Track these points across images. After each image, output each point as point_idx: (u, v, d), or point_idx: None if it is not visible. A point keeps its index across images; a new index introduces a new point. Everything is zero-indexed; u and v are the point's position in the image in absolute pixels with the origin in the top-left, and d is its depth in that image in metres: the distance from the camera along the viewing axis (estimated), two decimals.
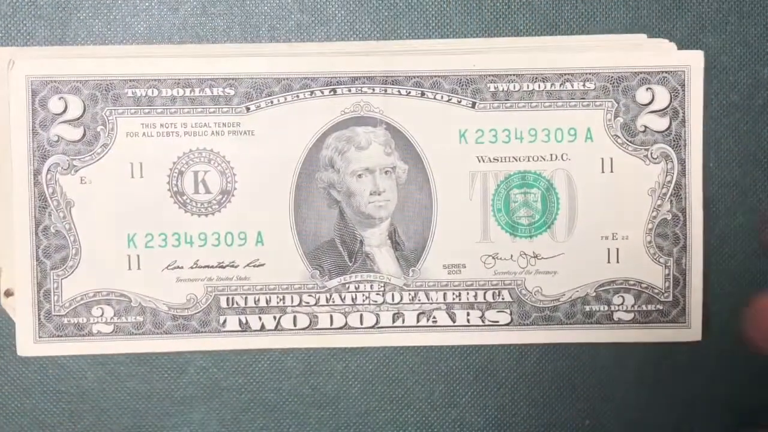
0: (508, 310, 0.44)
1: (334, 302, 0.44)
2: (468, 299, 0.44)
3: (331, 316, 0.44)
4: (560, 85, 0.43)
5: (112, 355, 0.44)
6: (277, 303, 0.44)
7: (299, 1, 0.44)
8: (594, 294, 0.44)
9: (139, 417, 0.45)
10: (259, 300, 0.44)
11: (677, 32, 0.44)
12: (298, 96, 0.43)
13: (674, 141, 0.44)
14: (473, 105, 0.44)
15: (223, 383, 0.45)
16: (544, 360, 0.45)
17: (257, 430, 0.45)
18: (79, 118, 0.43)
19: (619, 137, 0.44)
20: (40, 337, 0.43)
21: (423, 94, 0.43)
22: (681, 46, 0.44)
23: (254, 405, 0.45)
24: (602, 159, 0.44)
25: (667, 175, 0.44)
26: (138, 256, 0.43)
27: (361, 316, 0.44)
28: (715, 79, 0.44)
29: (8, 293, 0.43)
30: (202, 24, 0.44)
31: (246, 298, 0.44)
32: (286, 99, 0.43)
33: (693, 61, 0.44)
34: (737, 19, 0.44)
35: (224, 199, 0.44)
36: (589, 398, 0.45)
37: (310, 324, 0.44)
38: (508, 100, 0.44)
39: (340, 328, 0.44)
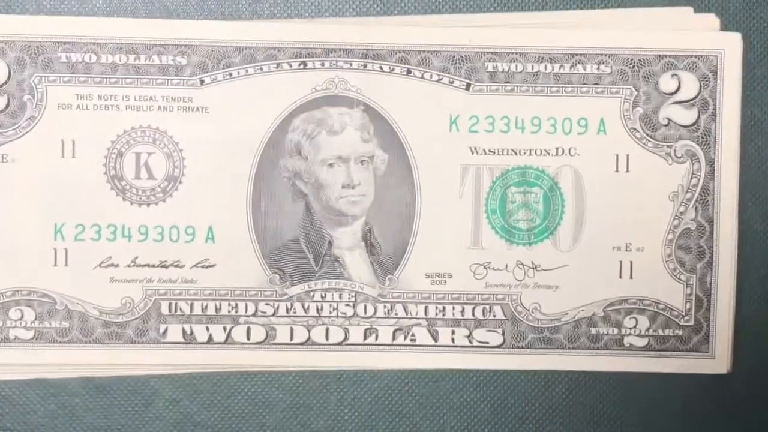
0: (500, 330, 0.43)
1: (295, 313, 0.43)
2: (453, 315, 0.43)
3: (292, 330, 0.43)
4: (570, 68, 0.42)
5: (65, 386, 0.42)
6: (229, 311, 0.43)
7: None
8: (602, 314, 0.43)
9: None
10: (207, 307, 0.42)
11: (730, 5, 0.43)
12: (261, 69, 0.42)
13: (702, 138, 0.43)
14: (467, 87, 0.42)
15: (197, 418, 0.43)
16: (574, 391, 0.43)
17: None
18: (2, 85, 0.41)
19: (637, 131, 0.43)
20: None
21: (409, 72, 0.42)
22: (731, 22, 0.43)
23: None
24: (617, 155, 0.43)
25: (692, 178, 0.43)
26: (66, 250, 0.42)
27: (327, 330, 0.43)
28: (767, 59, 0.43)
29: None
30: None
31: (192, 304, 0.42)
32: (247, 72, 0.42)
33: (728, 45, 0.42)
34: None
35: (170, 186, 0.42)
36: None
37: (266, 338, 0.43)
38: (508, 82, 0.42)
39: (302, 343, 0.43)
